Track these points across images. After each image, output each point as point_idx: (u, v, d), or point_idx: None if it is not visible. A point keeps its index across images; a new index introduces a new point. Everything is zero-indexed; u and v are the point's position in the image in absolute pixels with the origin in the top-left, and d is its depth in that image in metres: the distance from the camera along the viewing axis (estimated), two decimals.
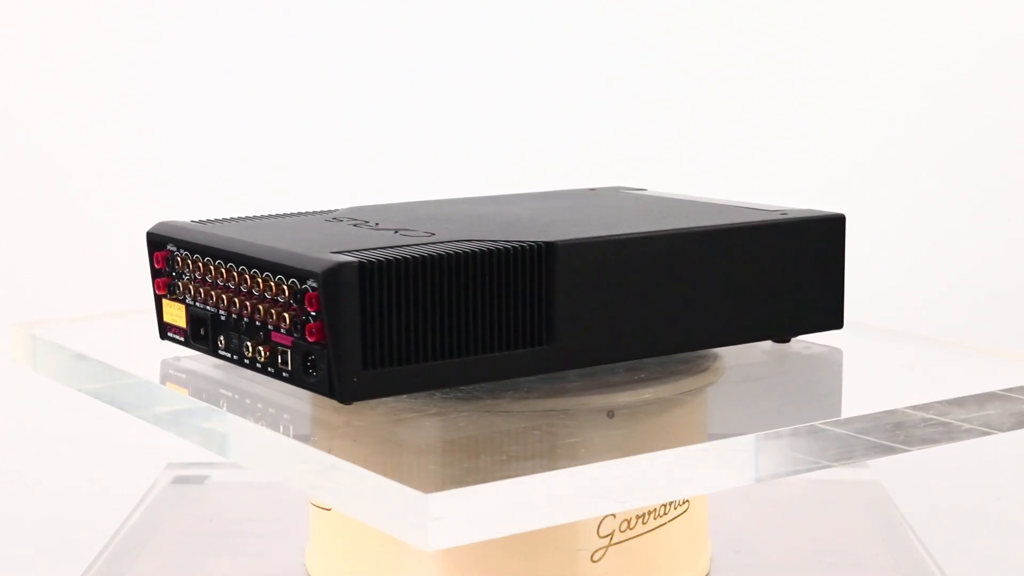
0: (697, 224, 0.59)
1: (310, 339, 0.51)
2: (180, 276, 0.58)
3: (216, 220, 0.61)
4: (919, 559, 0.70)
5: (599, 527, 0.59)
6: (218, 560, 0.71)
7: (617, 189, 0.72)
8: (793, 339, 0.64)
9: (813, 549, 0.71)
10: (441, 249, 0.53)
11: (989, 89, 1.03)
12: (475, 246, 0.53)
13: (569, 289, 0.55)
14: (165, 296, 0.59)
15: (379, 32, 1.04)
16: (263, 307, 0.54)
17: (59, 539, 1.05)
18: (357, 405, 0.54)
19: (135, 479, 0.90)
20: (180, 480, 0.83)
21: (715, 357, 0.62)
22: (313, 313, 0.51)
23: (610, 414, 0.55)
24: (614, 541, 0.60)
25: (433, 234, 0.56)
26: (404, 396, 0.55)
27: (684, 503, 0.62)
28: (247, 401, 0.56)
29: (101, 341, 0.67)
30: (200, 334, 0.58)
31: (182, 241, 0.58)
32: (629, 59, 1.04)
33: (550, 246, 0.54)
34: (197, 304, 0.58)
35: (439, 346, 0.52)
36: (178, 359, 0.62)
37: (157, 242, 0.59)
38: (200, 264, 0.57)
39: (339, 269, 0.50)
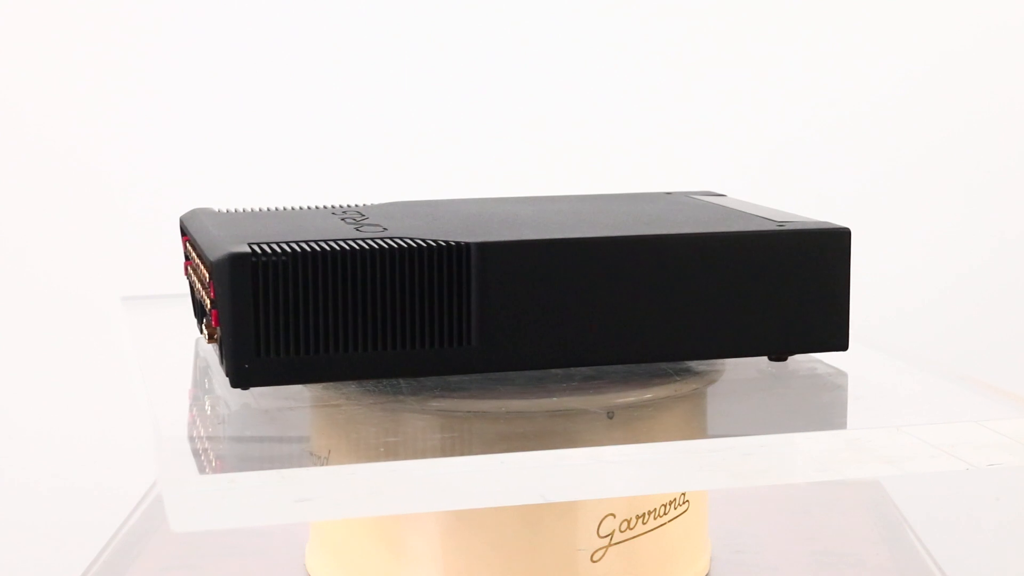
0: (668, 231, 0.57)
1: (214, 324, 0.53)
2: (191, 260, 0.62)
3: (237, 211, 0.63)
4: (919, 559, 0.70)
5: (599, 527, 0.59)
6: (218, 560, 0.71)
7: (686, 194, 0.69)
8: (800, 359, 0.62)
9: (813, 549, 0.71)
10: (345, 245, 0.53)
11: (986, 89, 1.03)
12: (385, 244, 0.54)
13: (489, 291, 0.54)
14: (188, 279, 0.63)
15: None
16: (204, 292, 0.56)
17: (59, 539, 1.05)
18: (280, 390, 0.57)
19: (135, 479, 0.90)
20: None
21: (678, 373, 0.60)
22: (213, 299, 0.53)
23: (610, 414, 0.55)
24: (614, 541, 0.60)
25: (386, 229, 0.57)
26: (330, 385, 0.57)
27: (684, 503, 0.62)
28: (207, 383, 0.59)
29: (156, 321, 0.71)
30: (198, 315, 0.61)
31: (184, 228, 0.62)
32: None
33: (465, 247, 0.54)
34: (194, 288, 0.61)
35: (340, 339, 0.53)
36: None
37: (183, 229, 0.63)
38: (191, 249, 0.60)
39: (228, 259, 0.52)
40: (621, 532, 0.60)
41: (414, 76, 1.04)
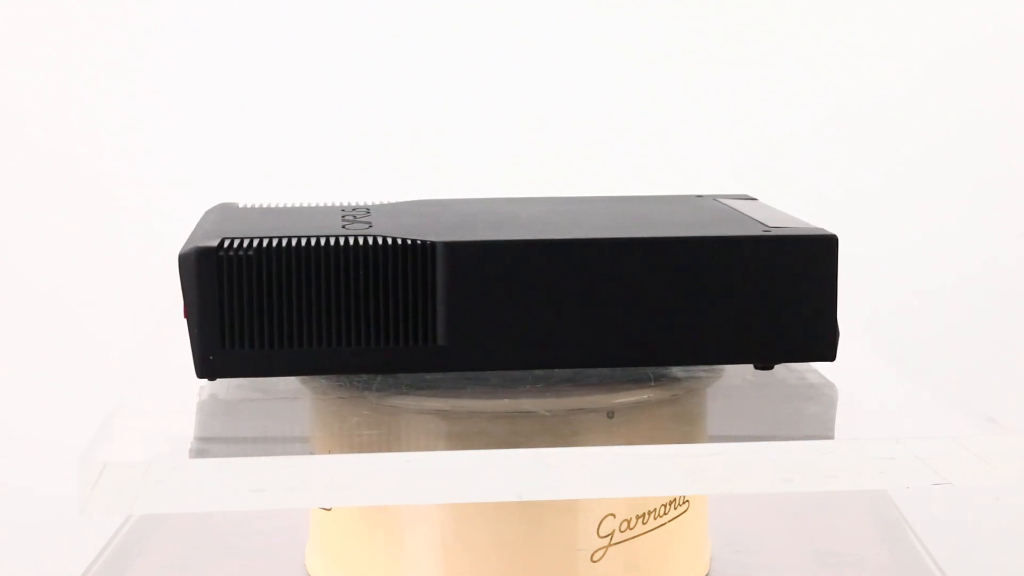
0: (644, 234, 0.56)
1: (184, 316, 0.55)
2: None
3: (255, 206, 0.64)
4: (919, 559, 0.70)
5: (599, 527, 0.59)
6: (218, 560, 0.71)
7: (714, 198, 0.67)
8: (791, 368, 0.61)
9: (813, 549, 0.71)
10: (312, 241, 0.54)
11: (986, 89, 1.03)
12: (350, 241, 0.54)
13: (456, 290, 0.54)
14: None
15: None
16: None
17: (59, 539, 1.05)
18: (255, 382, 0.59)
19: None
20: None
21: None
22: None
23: (610, 415, 0.55)
24: (614, 541, 0.60)
25: (370, 226, 0.57)
26: (313, 379, 0.58)
27: (684, 503, 0.62)
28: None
29: None
30: None
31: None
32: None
33: (431, 246, 0.54)
34: None
35: (305, 334, 0.54)
36: None
37: None
38: None
39: (193, 253, 0.53)
40: (621, 532, 0.60)
41: (414, 76, 1.04)
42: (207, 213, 0.63)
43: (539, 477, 0.50)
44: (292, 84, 1.05)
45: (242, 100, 1.05)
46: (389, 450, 0.51)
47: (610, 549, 0.60)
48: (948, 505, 1.04)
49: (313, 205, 0.65)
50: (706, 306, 0.55)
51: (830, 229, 0.57)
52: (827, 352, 0.57)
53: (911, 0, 1.03)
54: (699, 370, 0.60)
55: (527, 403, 0.56)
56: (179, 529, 0.76)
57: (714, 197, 0.67)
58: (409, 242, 0.54)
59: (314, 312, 0.54)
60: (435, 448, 0.53)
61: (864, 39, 1.03)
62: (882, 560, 0.70)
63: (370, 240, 0.54)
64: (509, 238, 0.55)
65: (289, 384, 0.59)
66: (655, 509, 0.60)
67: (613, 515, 0.59)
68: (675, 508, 0.62)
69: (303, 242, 0.54)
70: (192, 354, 0.55)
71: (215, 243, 0.54)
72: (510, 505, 0.58)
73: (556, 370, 0.59)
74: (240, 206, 0.64)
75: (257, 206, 0.64)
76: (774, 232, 0.56)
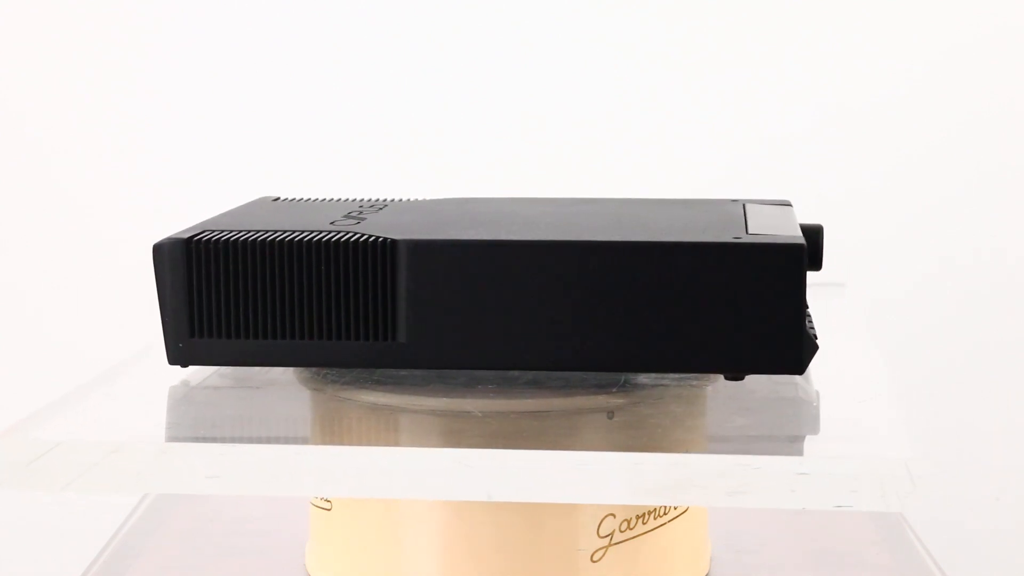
0: (608, 238, 0.55)
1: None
2: None
3: (285, 199, 0.67)
4: (919, 559, 0.70)
5: (599, 527, 0.59)
6: (218, 560, 0.71)
7: (745, 203, 0.66)
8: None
9: (813, 549, 0.71)
10: (279, 236, 0.56)
11: (986, 89, 1.03)
12: (315, 238, 0.56)
13: (418, 288, 0.55)
14: None
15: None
16: None
17: (59, 539, 1.05)
18: (235, 370, 0.61)
19: None
20: None
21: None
22: None
23: (610, 415, 0.55)
24: (614, 541, 0.60)
25: (358, 223, 0.59)
26: (293, 371, 0.60)
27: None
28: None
29: None
30: None
31: None
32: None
33: (392, 244, 0.55)
34: None
35: (269, 326, 0.56)
36: None
37: None
38: None
39: (164, 245, 0.56)
40: (621, 532, 0.60)
41: (414, 76, 1.04)
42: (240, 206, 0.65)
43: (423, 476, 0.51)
44: (292, 84, 1.05)
45: (242, 100, 1.05)
46: (329, 443, 0.53)
47: (610, 549, 0.60)
48: (948, 505, 1.04)
49: (339, 199, 0.66)
50: (669, 313, 0.54)
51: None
52: (794, 365, 0.54)
53: (911, 0, 1.03)
54: (668, 378, 0.59)
55: (468, 403, 0.56)
56: (179, 529, 0.76)
57: (744, 202, 0.66)
58: (371, 240, 0.55)
59: (277, 305, 0.56)
60: (367, 443, 0.55)
61: (864, 39, 1.03)
62: (882, 560, 0.70)
63: (333, 238, 0.55)
64: (471, 238, 0.55)
65: (263, 374, 0.61)
66: (655, 509, 0.60)
67: (613, 515, 0.59)
68: (675, 508, 0.62)
69: (268, 238, 0.56)
70: (165, 341, 0.57)
71: (187, 235, 0.56)
72: (511, 505, 0.58)
73: (545, 372, 0.58)
74: (274, 199, 0.67)
75: (289, 199, 0.67)
76: (739, 240, 0.55)
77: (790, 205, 0.66)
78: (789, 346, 0.54)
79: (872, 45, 1.03)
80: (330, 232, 0.56)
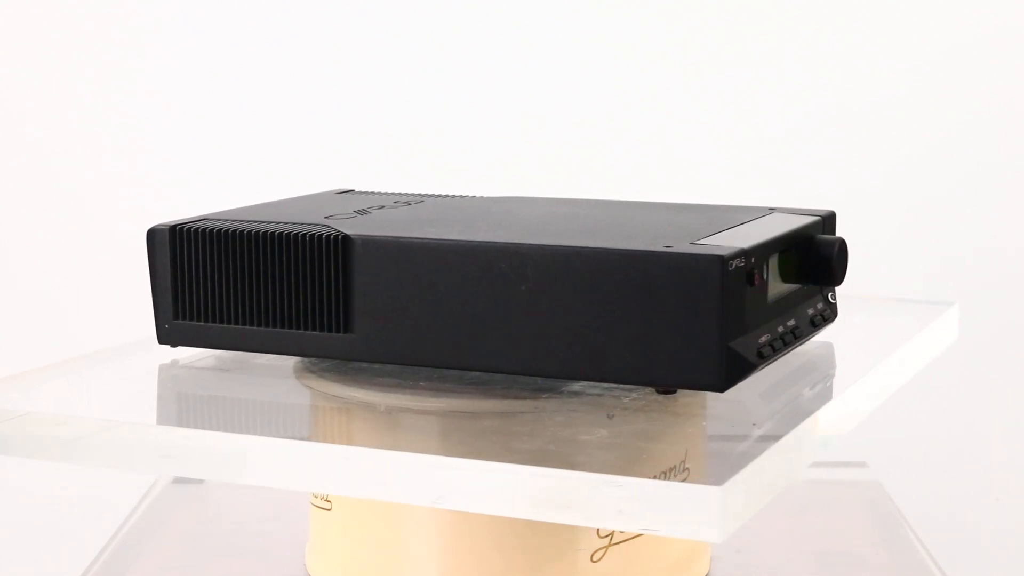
0: (546, 242, 0.54)
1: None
2: None
3: (339, 191, 0.70)
4: (919, 559, 0.70)
5: (599, 527, 0.59)
6: (218, 561, 0.71)
7: (770, 210, 0.63)
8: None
9: (813, 549, 0.71)
10: (246, 228, 0.59)
11: (986, 89, 1.03)
12: (278, 230, 0.58)
13: (367, 283, 0.57)
14: None
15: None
16: None
17: (59, 539, 1.05)
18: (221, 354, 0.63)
19: (135, 480, 0.90)
20: (180, 480, 0.83)
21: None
22: None
23: (610, 415, 0.55)
24: (614, 541, 0.60)
25: (352, 218, 0.61)
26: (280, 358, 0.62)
27: None
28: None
29: None
30: None
31: None
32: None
33: (346, 239, 0.57)
34: None
35: (236, 312, 0.59)
36: None
37: None
38: None
39: (154, 231, 0.60)
40: (621, 532, 0.60)
41: (414, 76, 1.04)
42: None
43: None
44: (292, 84, 1.05)
45: (242, 100, 1.05)
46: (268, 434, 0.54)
47: (610, 549, 0.60)
48: (948, 505, 1.04)
49: (394, 192, 0.69)
50: (596, 322, 0.53)
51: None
52: (713, 381, 0.52)
53: (911, 0, 1.03)
54: (599, 386, 0.57)
55: (373, 395, 0.57)
56: (179, 529, 0.76)
57: (772, 208, 0.63)
58: (327, 235, 0.57)
59: (245, 292, 0.59)
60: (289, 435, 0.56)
61: (864, 39, 1.03)
62: (882, 560, 0.70)
63: (291, 232, 0.58)
64: (420, 236, 0.56)
65: (249, 359, 0.63)
66: None
67: None
68: None
69: (235, 229, 0.59)
70: (155, 322, 0.61)
71: (174, 223, 0.60)
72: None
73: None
74: (337, 191, 0.70)
75: (353, 191, 0.70)
76: (662, 249, 0.52)
77: (821, 217, 0.63)
78: (708, 362, 0.51)
79: (872, 45, 1.03)
80: (293, 226, 0.58)
